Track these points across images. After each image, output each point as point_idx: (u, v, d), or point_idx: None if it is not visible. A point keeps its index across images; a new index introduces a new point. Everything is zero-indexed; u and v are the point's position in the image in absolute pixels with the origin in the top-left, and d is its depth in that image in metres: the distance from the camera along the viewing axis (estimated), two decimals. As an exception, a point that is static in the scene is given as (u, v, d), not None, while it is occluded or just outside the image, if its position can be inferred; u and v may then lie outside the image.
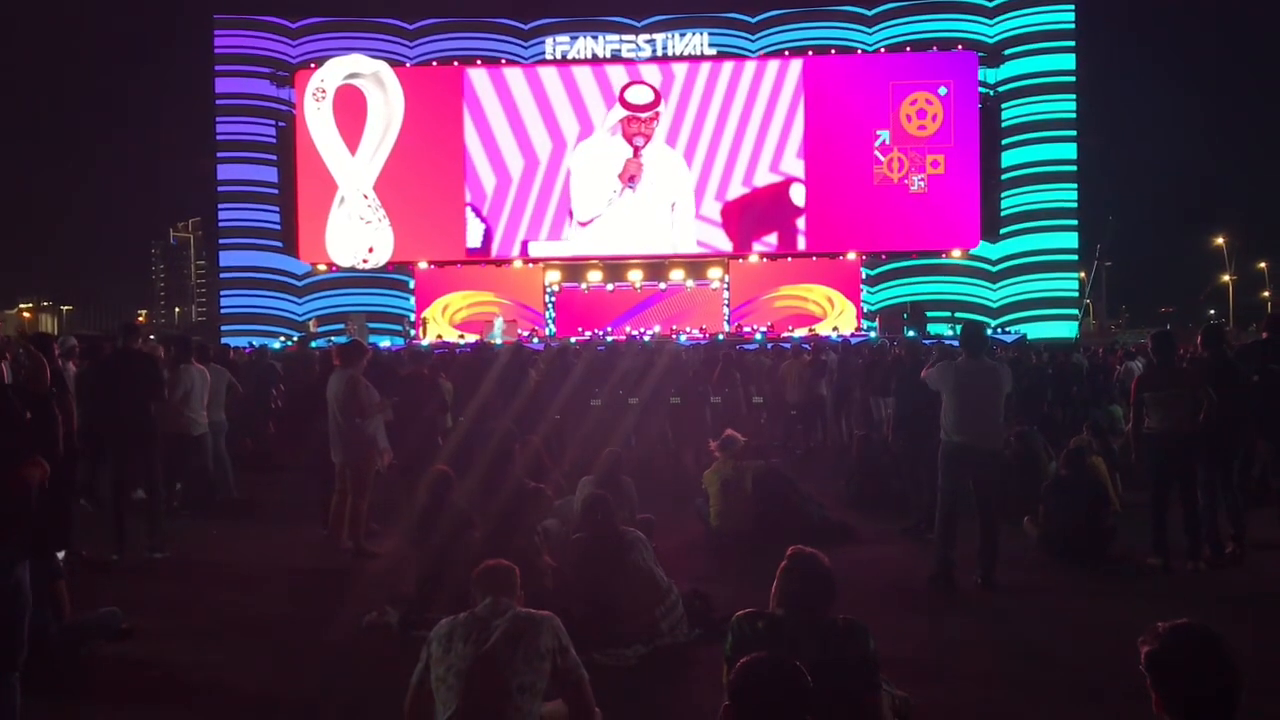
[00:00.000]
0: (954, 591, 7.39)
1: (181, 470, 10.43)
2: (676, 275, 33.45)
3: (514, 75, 33.62)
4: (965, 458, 7.54)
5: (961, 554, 7.59)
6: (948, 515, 7.60)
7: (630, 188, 33.06)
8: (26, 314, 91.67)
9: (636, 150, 33.01)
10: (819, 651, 3.61)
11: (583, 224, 33.31)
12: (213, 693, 5.54)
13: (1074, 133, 33.32)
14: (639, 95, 33.16)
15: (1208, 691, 2.63)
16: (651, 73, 33.35)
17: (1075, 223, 33.73)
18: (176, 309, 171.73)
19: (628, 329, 30.93)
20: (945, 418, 7.64)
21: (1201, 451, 7.85)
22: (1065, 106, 33.13)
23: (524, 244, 33.60)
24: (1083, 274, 41.73)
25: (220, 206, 35.05)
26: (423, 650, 3.95)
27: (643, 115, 33.05)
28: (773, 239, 33.55)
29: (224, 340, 28.02)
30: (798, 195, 33.18)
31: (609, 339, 25.96)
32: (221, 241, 35.81)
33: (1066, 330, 32.85)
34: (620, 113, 33.11)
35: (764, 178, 33.24)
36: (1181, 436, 7.68)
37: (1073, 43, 33.13)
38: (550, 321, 33.82)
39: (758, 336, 28.12)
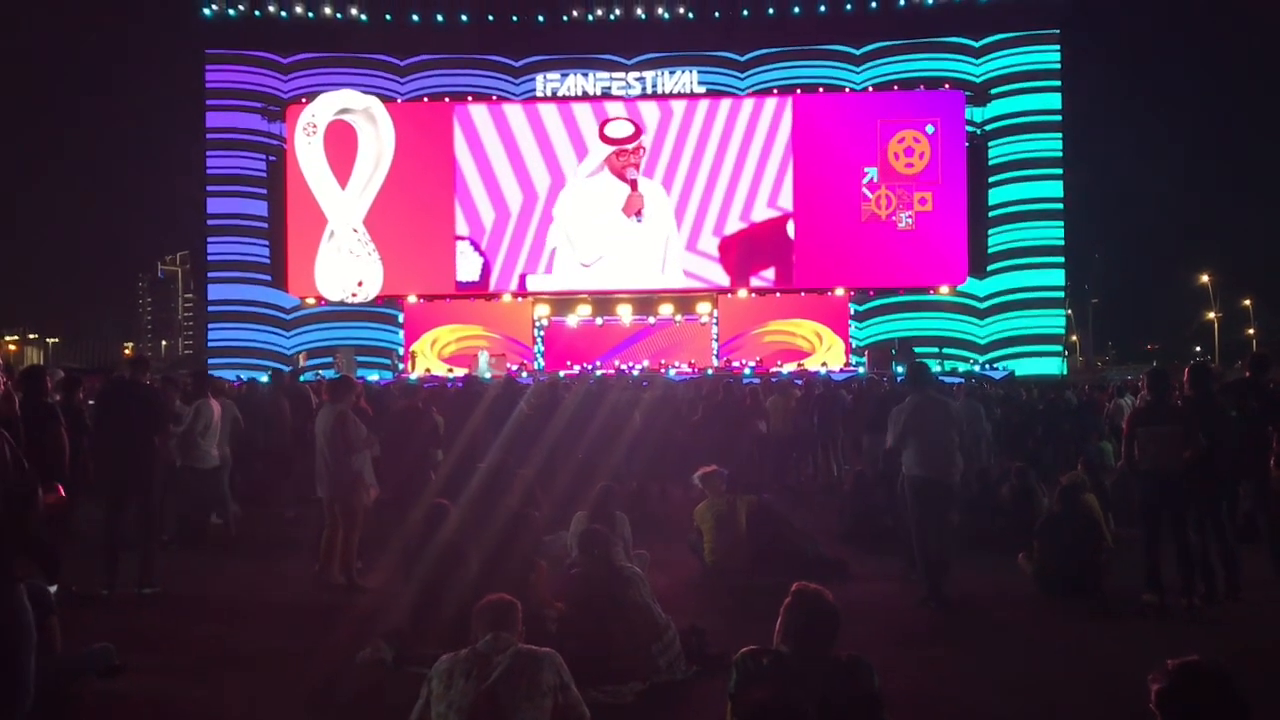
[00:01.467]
0: (949, 608, 7.70)
1: (178, 503, 10.38)
2: (665, 310, 33.51)
3: (506, 111, 33.79)
4: (927, 490, 7.96)
5: (961, 593, 7.62)
6: (924, 549, 7.97)
7: (637, 219, 33.18)
8: (12, 346, 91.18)
9: (633, 184, 33.15)
10: (824, 688, 3.60)
11: (586, 265, 33.39)
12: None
13: (1060, 171, 33.67)
14: (619, 129, 33.37)
15: (1220, 728, 2.63)
16: (644, 109, 33.55)
17: (1061, 260, 34.02)
18: (163, 342, 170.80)
19: (617, 363, 30.93)
20: (905, 454, 8.05)
21: (1193, 488, 7.87)
22: (1051, 145, 33.48)
23: (522, 278, 33.63)
24: (1069, 311, 42.01)
25: (209, 240, 35.04)
26: (423, 687, 3.92)
27: (628, 147, 33.22)
28: (769, 273, 33.64)
29: (211, 373, 27.89)
30: (793, 230, 33.37)
31: (598, 373, 25.95)
32: (210, 275, 35.75)
33: (1053, 367, 33.01)
34: (603, 150, 33.30)
35: (757, 213, 33.40)
36: (1173, 473, 7.71)
37: (1058, 82, 33.54)
38: (539, 356, 33.80)
39: (746, 371, 28.14)
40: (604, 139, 33.27)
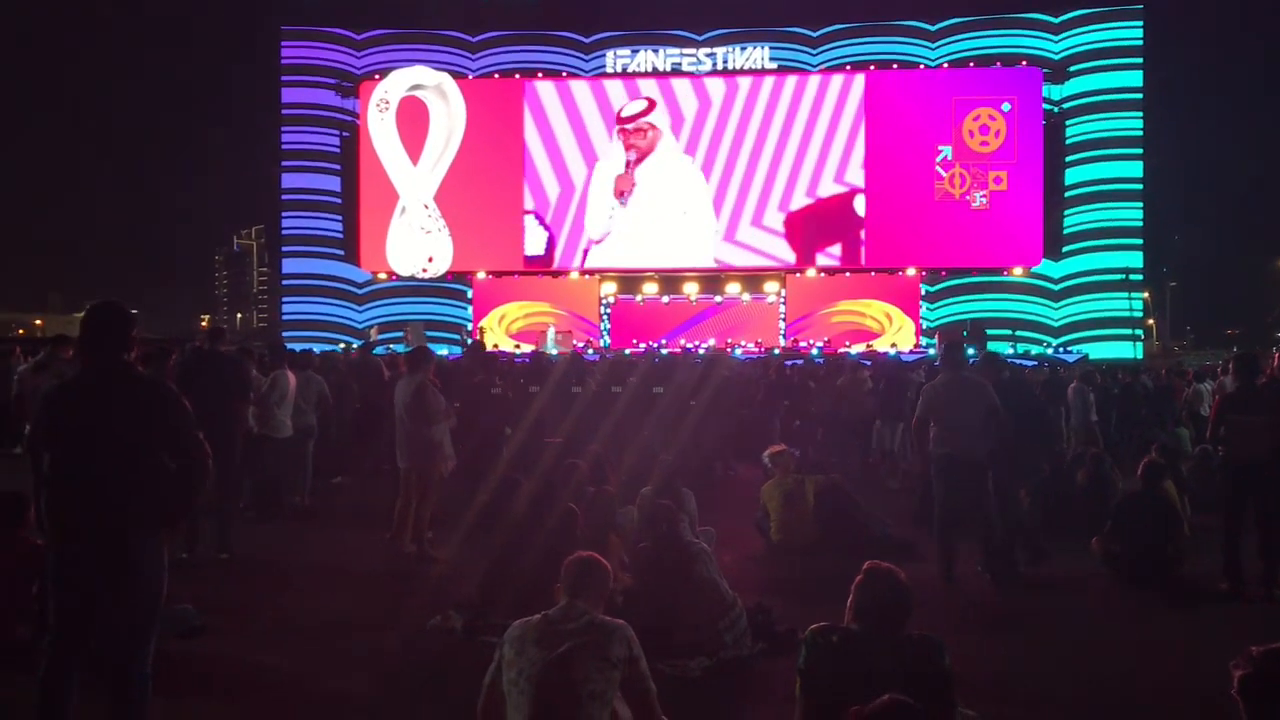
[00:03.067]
0: (955, 585, 7.88)
1: (253, 472, 10.62)
2: (732, 289, 33.38)
3: (576, 88, 33.84)
4: (952, 467, 8.11)
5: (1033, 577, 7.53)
6: (944, 524, 8.17)
7: (621, 202, 33.11)
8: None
9: (627, 164, 33.09)
10: (894, 667, 3.59)
11: (594, 241, 33.50)
12: (279, 691, 5.63)
13: (1139, 150, 32.83)
14: (631, 107, 33.33)
15: (1306, 717, 2.58)
16: (714, 85, 33.36)
17: (1140, 241, 33.17)
18: (238, 315, 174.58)
19: (682, 342, 30.90)
20: (933, 431, 8.26)
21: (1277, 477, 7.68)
22: (1131, 124, 32.63)
23: (585, 251, 33.70)
24: (1146, 294, 41.05)
25: (283, 214, 35.61)
26: (496, 651, 3.97)
27: (629, 126, 33.13)
28: (836, 250, 33.29)
29: (288, 346, 28.35)
30: (861, 206, 32.98)
31: (664, 351, 25.95)
32: (284, 249, 36.40)
33: (1128, 351, 32.26)
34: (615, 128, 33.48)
35: (826, 190, 33.04)
36: (1260, 462, 7.53)
37: (1140, 59, 32.66)
38: (605, 333, 33.90)
39: (813, 352, 27.95)
40: (617, 119, 33.31)
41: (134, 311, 4.46)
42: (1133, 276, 33.16)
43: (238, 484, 9.27)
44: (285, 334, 34.24)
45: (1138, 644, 6.59)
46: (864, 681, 3.48)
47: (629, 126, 33.12)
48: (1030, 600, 7.55)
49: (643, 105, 33.20)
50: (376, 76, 33.73)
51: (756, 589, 7.30)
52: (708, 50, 33.96)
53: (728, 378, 14.85)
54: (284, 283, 37.15)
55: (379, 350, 20.05)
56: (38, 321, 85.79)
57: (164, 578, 4.29)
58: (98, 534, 4.09)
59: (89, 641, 4.22)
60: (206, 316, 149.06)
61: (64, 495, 4.15)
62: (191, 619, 6.30)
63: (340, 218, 34.86)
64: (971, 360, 10.95)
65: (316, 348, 26.97)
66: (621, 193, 33.11)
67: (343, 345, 30.34)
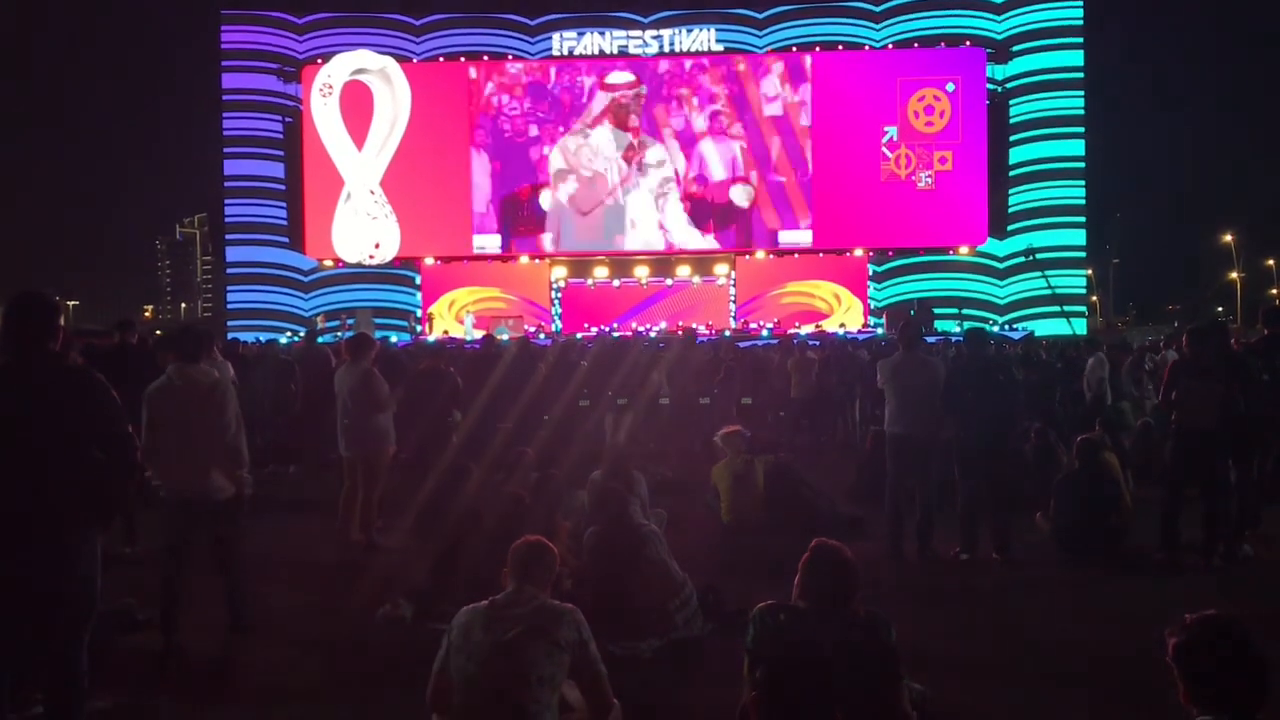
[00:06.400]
0: (902, 561, 8.01)
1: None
2: (683, 271, 33.41)
3: (523, 70, 33.62)
4: (905, 446, 8.19)
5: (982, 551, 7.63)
6: (895, 502, 8.27)
7: (639, 171, 33.05)
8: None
9: (635, 131, 33.00)
10: (840, 643, 3.61)
11: (584, 214, 33.33)
12: (228, 683, 5.58)
13: (1082, 129, 33.24)
14: (619, 77, 33.27)
15: (1238, 682, 2.63)
16: (661, 67, 33.29)
17: (1083, 219, 33.62)
18: (182, 304, 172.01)
19: (634, 325, 30.89)
20: (887, 409, 8.37)
21: (1225, 447, 7.82)
22: (1073, 103, 33.02)
23: (537, 238, 33.68)
24: (1090, 271, 41.58)
25: (227, 202, 35.08)
26: (444, 638, 3.95)
27: (628, 93, 33.02)
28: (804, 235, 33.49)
29: (230, 335, 28.00)
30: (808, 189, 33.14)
31: (615, 335, 25.93)
32: (228, 237, 35.84)
33: (1075, 328, 32.64)
34: (604, 99, 33.26)
35: (770, 173, 33.18)
36: (1207, 429, 7.67)
37: (1081, 39, 33.05)
38: (556, 317, 33.81)
39: (764, 333, 28.09)
40: (604, 87, 33.15)
41: (58, 299, 4.35)
42: (1076, 254, 33.57)
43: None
44: (230, 323, 33.78)
45: (1077, 614, 6.71)
46: (810, 658, 3.50)
47: (628, 94, 33.04)
48: (975, 574, 7.64)
49: (631, 76, 33.16)
50: (319, 61, 33.22)
51: (708, 569, 7.32)
52: (654, 32, 33.85)
53: (680, 359, 14.88)
54: (228, 271, 36.56)
55: (326, 339, 19.81)
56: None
57: (98, 573, 4.20)
58: (25, 533, 3.97)
59: (16, 641, 4.11)
60: (149, 307, 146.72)
61: None
62: (132, 613, 6.20)
63: (284, 204, 34.40)
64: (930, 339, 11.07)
65: (263, 336, 26.69)
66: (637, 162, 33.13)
67: (288, 334, 29.99)
